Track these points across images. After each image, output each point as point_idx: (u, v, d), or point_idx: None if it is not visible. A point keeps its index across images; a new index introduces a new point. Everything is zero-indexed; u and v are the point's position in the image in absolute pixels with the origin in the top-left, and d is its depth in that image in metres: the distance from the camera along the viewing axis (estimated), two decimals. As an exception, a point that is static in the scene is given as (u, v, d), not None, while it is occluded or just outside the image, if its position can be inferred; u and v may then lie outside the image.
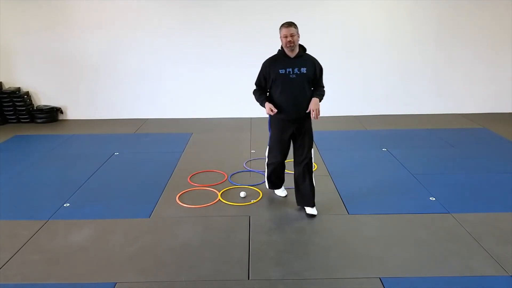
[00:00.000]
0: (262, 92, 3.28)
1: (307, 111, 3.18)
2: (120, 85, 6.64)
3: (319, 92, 3.22)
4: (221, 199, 3.71)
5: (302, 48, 3.20)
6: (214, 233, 3.14)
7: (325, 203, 3.58)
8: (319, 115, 3.12)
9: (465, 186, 3.91)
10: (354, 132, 5.72)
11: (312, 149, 3.33)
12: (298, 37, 3.10)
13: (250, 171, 4.38)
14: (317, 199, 3.42)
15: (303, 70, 3.12)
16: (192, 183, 4.08)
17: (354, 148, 5.06)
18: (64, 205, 3.62)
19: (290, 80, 3.11)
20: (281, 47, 3.17)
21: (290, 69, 3.11)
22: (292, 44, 3.05)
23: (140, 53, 6.47)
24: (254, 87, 3.30)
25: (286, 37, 3.04)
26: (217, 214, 3.45)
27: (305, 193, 3.37)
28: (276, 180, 3.66)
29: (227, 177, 4.21)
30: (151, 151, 5.14)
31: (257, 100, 3.28)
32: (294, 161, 3.40)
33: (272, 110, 3.13)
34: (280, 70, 3.11)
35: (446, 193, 3.76)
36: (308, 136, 3.32)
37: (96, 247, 2.96)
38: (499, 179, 4.06)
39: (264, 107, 3.20)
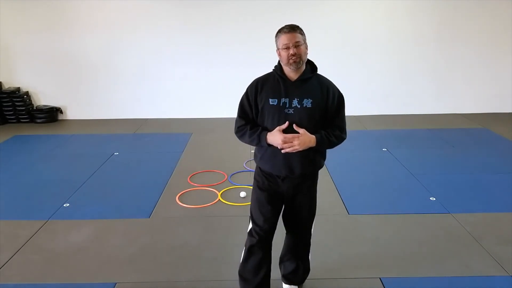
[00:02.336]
0: (252, 126, 2.09)
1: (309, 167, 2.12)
2: (120, 85, 6.63)
3: (329, 134, 2.05)
4: (221, 199, 3.71)
5: (310, 67, 2.09)
6: (214, 233, 3.14)
7: (325, 203, 3.58)
8: (293, 149, 1.94)
9: (465, 186, 3.91)
10: (354, 132, 5.71)
11: (312, 229, 2.34)
12: (306, 48, 2.00)
13: (250, 171, 4.37)
14: (317, 199, 3.39)
15: (307, 102, 1.99)
16: (192, 183, 4.07)
17: (354, 148, 5.06)
18: (64, 205, 3.62)
19: (285, 116, 1.97)
20: (278, 63, 2.06)
21: (287, 100, 1.98)
22: (298, 60, 1.93)
23: (140, 53, 6.47)
24: (236, 127, 2.14)
25: (287, 48, 1.92)
26: (217, 214, 3.44)
27: (289, 272, 2.41)
28: (252, 270, 2.25)
29: (227, 177, 4.21)
30: (151, 151, 5.14)
31: (250, 140, 2.08)
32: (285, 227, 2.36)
33: (285, 142, 1.93)
34: (270, 100, 2.00)
35: (446, 193, 3.75)
36: (308, 206, 2.24)
37: (96, 247, 2.96)
38: (499, 179, 4.06)
39: (267, 143, 2.01)
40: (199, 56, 6.49)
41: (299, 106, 1.99)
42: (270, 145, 2.01)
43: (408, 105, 6.76)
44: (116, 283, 2.54)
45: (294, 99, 1.99)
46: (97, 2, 6.23)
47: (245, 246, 2.29)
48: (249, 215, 2.25)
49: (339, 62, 6.49)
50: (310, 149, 2.00)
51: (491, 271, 2.61)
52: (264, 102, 2.02)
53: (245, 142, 2.12)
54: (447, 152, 4.90)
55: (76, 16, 6.29)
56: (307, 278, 2.50)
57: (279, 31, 1.99)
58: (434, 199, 3.64)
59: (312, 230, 2.35)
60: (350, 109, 6.52)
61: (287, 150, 1.94)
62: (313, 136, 1.97)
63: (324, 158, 2.22)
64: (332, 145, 2.08)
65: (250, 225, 2.25)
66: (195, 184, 4.05)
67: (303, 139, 1.94)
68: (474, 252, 2.83)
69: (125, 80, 6.61)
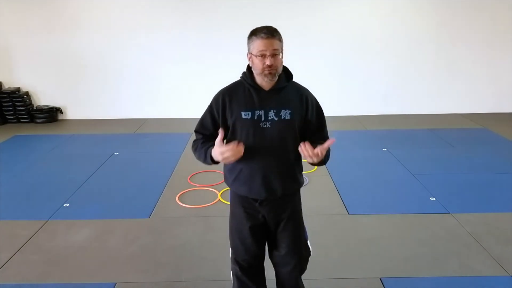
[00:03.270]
0: (204, 140, 1.86)
1: (292, 184, 1.88)
2: (120, 85, 6.63)
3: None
4: (221, 199, 3.71)
5: (285, 74, 1.82)
6: (214, 233, 3.14)
7: (325, 203, 3.57)
8: (314, 156, 1.68)
9: (465, 186, 3.91)
10: (354, 132, 5.71)
11: (309, 250, 2.04)
12: (282, 56, 1.76)
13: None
14: (317, 199, 3.40)
15: (285, 114, 1.76)
16: (192, 183, 4.07)
17: (354, 148, 5.06)
18: (64, 205, 3.62)
19: (261, 131, 1.75)
20: (247, 69, 1.86)
21: (262, 112, 1.75)
22: (273, 72, 1.70)
23: (140, 53, 6.47)
24: (194, 139, 1.92)
25: (263, 56, 1.69)
26: (217, 214, 3.44)
27: None
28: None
29: (227, 177, 4.20)
30: (151, 151, 5.14)
31: (198, 156, 1.86)
32: (272, 263, 2.06)
33: (224, 153, 1.68)
34: (243, 113, 1.76)
35: (446, 193, 3.75)
36: (296, 224, 1.93)
37: (95, 247, 2.96)
38: (499, 179, 4.06)
39: (212, 161, 1.77)
40: (199, 56, 6.48)
41: (276, 119, 1.74)
42: (216, 162, 1.75)
43: (408, 105, 6.76)
44: (116, 283, 2.54)
45: (270, 111, 1.75)
46: (97, 2, 6.23)
47: (231, 272, 2.07)
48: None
49: (339, 62, 6.49)
50: (290, 165, 1.81)
51: (491, 271, 2.61)
52: (236, 116, 1.76)
53: (197, 159, 1.87)
54: (447, 152, 4.90)
55: (76, 16, 6.29)
56: (308, 278, 2.49)
57: (254, 34, 1.72)
58: (434, 199, 3.64)
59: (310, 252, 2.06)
60: (350, 109, 6.66)
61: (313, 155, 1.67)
62: (321, 150, 1.71)
63: (302, 170, 1.97)
64: (327, 161, 1.83)
65: (231, 252, 2.02)
66: (195, 184, 4.05)
67: (318, 154, 1.68)
68: (474, 252, 2.83)
69: (125, 80, 6.61)
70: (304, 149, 1.66)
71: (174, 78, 6.60)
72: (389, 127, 6.00)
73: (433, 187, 3.88)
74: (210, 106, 1.85)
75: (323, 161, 1.79)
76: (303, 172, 1.96)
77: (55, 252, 2.89)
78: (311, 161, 1.71)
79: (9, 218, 3.39)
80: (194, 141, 1.90)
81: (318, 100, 1.89)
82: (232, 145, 1.67)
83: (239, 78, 1.87)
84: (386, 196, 3.73)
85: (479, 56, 6.54)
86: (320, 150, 1.67)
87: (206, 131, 1.87)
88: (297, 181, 1.91)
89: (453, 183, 3.97)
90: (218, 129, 1.78)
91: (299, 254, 1.97)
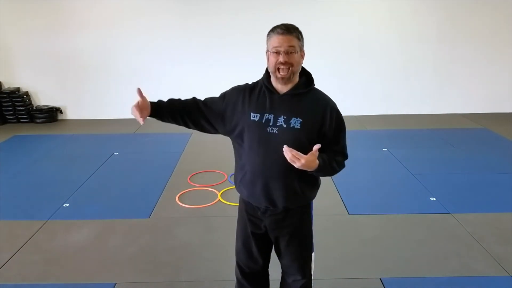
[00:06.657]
0: (184, 102, 1.83)
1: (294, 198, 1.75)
2: (120, 85, 6.62)
3: (331, 159, 1.72)
4: (221, 199, 3.71)
5: (305, 79, 1.71)
6: (214, 233, 3.14)
7: (325, 203, 3.57)
8: (294, 159, 1.52)
9: (465, 186, 3.90)
10: (354, 132, 5.71)
11: (312, 270, 1.94)
12: (302, 56, 1.64)
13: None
14: (317, 199, 3.39)
15: (296, 122, 1.63)
16: (192, 183, 4.07)
17: (354, 148, 5.02)
18: (64, 205, 3.62)
19: (266, 136, 1.64)
20: (266, 70, 1.71)
21: (271, 116, 1.64)
22: (287, 71, 1.59)
23: (140, 53, 6.47)
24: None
25: (277, 52, 1.58)
26: (217, 214, 3.44)
27: None
28: None
29: (227, 177, 4.20)
30: (151, 151, 5.13)
31: None
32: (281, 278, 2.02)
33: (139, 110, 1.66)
34: (252, 114, 1.67)
35: (446, 193, 3.75)
36: (298, 243, 1.83)
37: (95, 247, 2.96)
38: (499, 179, 4.06)
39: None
40: (199, 56, 6.48)
41: (285, 126, 1.61)
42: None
43: (408, 105, 6.76)
44: (116, 283, 2.54)
45: (280, 116, 1.63)
46: (97, 2, 6.23)
47: (235, 273, 2.01)
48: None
49: (339, 62, 6.49)
50: (294, 177, 1.67)
51: (491, 271, 2.61)
52: (245, 116, 1.67)
53: None
54: (447, 152, 4.90)
55: (76, 16, 6.29)
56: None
57: (272, 30, 1.61)
58: (434, 199, 3.64)
59: (312, 272, 1.94)
60: (350, 109, 6.65)
61: (289, 156, 1.52)
62: (316, 160, 1.57)
63: (317, 187, 1.87)
64: (333, 172, 1.73)
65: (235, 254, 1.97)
66: (195, 184, 4.05)
67: (310, 160, 1.54)
68: (474, 252, 2.83)
69: (125, 80, 6.59)
70: (288, 150, 1.51)
71: (174, 78, 6.60)
72: (389, 127, 6.00)
73: (433, 187, 3.88)
74: (224, 96, 1.79)
75: (320, 170, 1.63)
76: None
77: (55, 252, 2.89)
78: (297, 165, 1.54)
79: (9, 218, 3.39)
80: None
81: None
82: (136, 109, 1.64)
83: (260, 79, 1.76)
84: (386, 196, 3.73)
85: (479, 56, 6.53)
86: (308, 155, 1.53)
87: (204, 108, 1.78)
88: (302, 196, 1.75)
89: (453, 183, 3.97)
90: (213, 121, 1.76)
91: (303, 271, 1.88)
